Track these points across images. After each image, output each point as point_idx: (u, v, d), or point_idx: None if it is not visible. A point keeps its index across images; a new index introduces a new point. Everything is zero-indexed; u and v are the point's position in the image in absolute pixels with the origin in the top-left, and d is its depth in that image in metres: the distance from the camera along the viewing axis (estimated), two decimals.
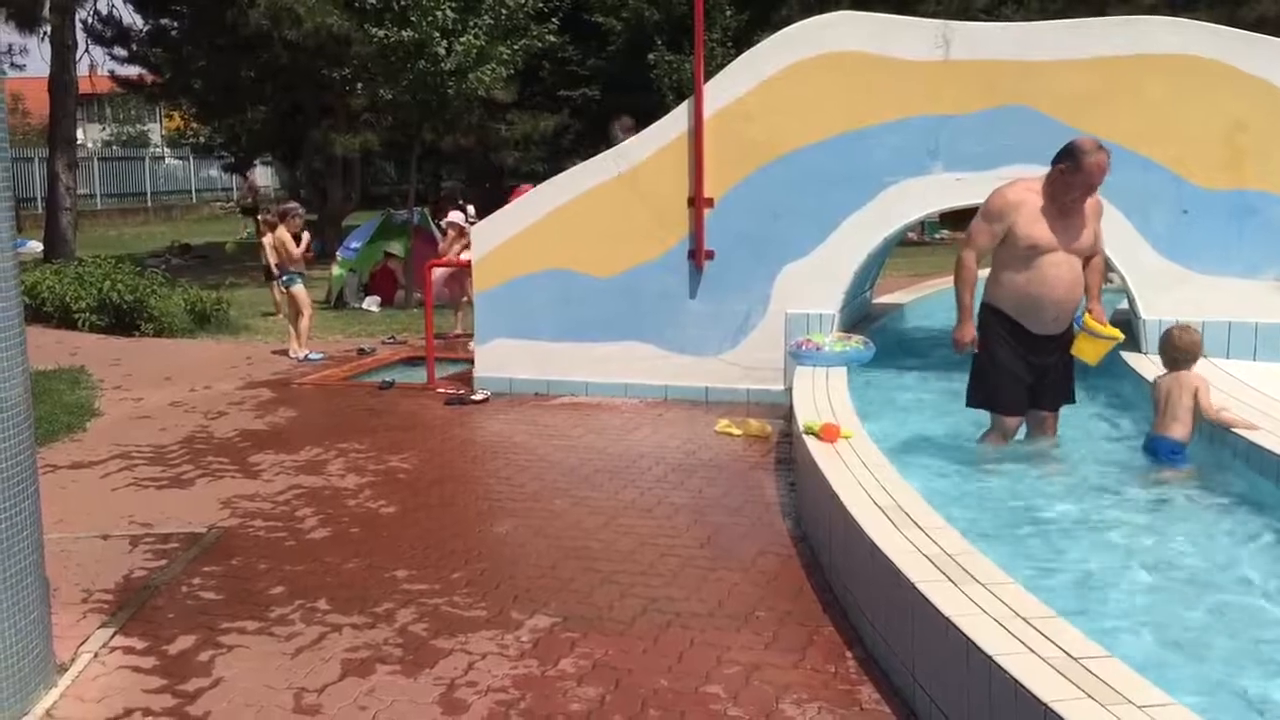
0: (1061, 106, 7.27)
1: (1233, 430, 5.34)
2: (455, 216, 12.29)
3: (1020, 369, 5.57)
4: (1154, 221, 7.31)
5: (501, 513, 5.65)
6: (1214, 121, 7.19)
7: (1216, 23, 7.87)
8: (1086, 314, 5.56)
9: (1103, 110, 7.26)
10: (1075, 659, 2.86)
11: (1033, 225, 5.35)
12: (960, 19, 9.60)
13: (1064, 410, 5.82)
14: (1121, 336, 5.61)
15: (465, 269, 9.95)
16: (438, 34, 13.77)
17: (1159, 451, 5.49)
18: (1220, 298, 7.21)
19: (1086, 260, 5.52)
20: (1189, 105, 7.17)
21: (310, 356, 10.37)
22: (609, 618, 4.26)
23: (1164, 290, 7.31)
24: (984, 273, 5.64)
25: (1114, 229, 7.23)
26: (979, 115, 7.47)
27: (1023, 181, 5.54)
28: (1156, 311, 7.24)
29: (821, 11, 8.39)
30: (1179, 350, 5.58)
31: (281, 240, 10.92)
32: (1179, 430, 5.46)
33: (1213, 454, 5.47)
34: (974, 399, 5.76)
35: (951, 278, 5.84)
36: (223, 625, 4.28)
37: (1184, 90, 7.18)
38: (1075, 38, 7.40)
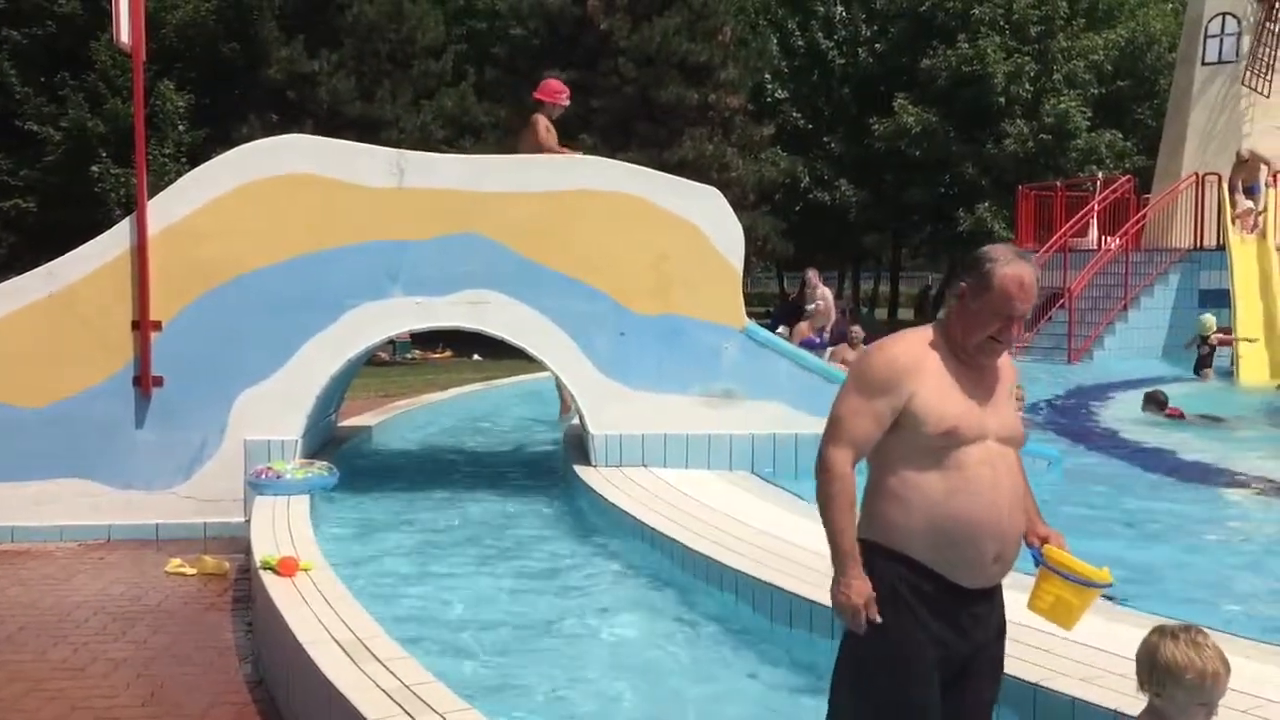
0: (513, 235, 7.69)
1: None
2: None
3: (934, 657, 3.03)
4: (597, 343, 7.87)
5: None
6: (643, 253, 7.93)
7: (646, 164, 8.81)
8: (1042, 544, 3.18)
9: (550, 241, 7.77)
10: None
11: (945, 400, 3.04)
12: (421, 149, 9.93)
13: None
14: (1112, 580, 3.13)
15: None
16: None
17: None
18: (655, 412, 7.87)
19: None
20: (622, 238, 7.85)
21: None
22: None
23: (607, 406, 7.86)
24: None
25: (563, 351, 7.76)
26: (435, 241, 7.68)
27: (912, 333, 3.18)
28: (602, 426, 7.79)
29: (282, 133, 8.28)
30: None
31: None
32: None
33: None
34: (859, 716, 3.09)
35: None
36: None
37: (617, 224, 7.85)
38: (521, 171, 7.92)
